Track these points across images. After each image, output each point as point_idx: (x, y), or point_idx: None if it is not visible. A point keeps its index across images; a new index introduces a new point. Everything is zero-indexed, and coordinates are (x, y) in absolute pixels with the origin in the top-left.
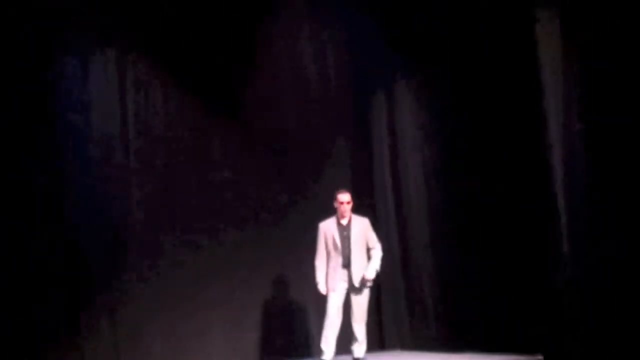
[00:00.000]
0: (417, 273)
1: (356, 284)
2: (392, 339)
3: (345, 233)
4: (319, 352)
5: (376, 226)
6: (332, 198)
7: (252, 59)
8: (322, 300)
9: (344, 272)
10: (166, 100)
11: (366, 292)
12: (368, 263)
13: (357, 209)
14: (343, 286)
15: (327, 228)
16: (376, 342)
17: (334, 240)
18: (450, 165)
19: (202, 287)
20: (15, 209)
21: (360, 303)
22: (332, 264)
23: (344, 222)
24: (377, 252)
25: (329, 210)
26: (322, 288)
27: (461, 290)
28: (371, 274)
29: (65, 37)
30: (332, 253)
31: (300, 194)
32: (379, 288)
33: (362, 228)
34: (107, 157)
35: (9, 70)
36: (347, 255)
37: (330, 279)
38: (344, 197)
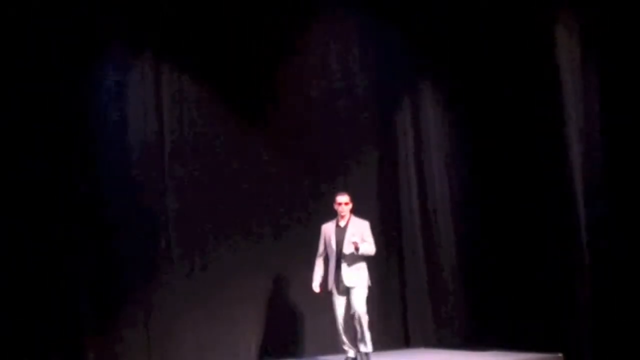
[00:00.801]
0: (441, 273)
1: (348, 284)
2: (416, 337)
3: (341, 234)
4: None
5: (401, 228)
6: (357, 203)
7: (283, 67)
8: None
9: (337, 273)
10: (200, 107)
11: (361, 291)
12: (360, 266)
13: (382, 213)
14: (341, 286)
15: (327, 229)
16: (401, 340)
17: (330, 241)
18: (475, 169)
19: (234, 284)
20: (53, 209)
21: (355, 303)
22: (330, 264)
23: (342, 223)
24: (370, 245)
25: (355, 211)
26: (314, 287)
27: (485, 290)
28: (348, 248)
29: (104, 46)
30: (330, 254)
31: (326, 200)
32: (404, 287)
33: (359, 230)
34: (144, 159)
35: (48, 78)
36: (339, 258)
37: (329, 278)
38: (342, 199)
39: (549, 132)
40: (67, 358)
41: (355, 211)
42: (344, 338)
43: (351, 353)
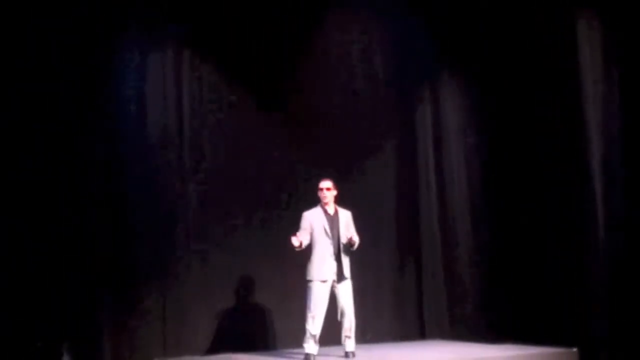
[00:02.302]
0: (458, 265)
1: (347, 276)
2: (432, 329)
3: (334, 223)
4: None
5: (419, 220)
6: (375, 195)
7: (302, 56)
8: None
9: (334, 264)
10: (220, 94)
11: (351, 285)
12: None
13: (400, 205)
14: (331, 277)
15: (314, 216)
16: (417, 332)
17: (324, 229)
18: (493, 161)
19: (251, 271)
20: (72, 196)
21: (349, 295)
22: (319, 253)
23: (330, 211)
24: (357, 237)
25: (373, 204)
26: (294, 240)
27: (500, 283)
28: (354, 238)
29: (126, 31)
30: (321, 242)
31: (345, 188)
32: (420, 279)
33: (347, 220)
34: (162, 144)
35: (71, 63)
36: (337, 247)
37: (317, 268)
38: (324, 184)
39: (569, 126)
40: (84, 344)
41: (374, 203)
42: (318, 332)
43: (315, 349)
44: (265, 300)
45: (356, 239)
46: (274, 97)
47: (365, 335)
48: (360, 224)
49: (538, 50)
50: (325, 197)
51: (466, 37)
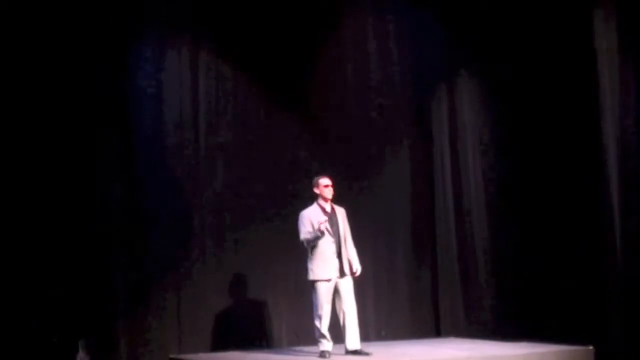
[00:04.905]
0: (473, 263)
1: (347, 272)
2: (447, 327)
3: (333, 220)
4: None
5: (435, 218)
6: (391, 193)
7: (318, 52)
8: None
9: (336, 261)
10: (236, 89)
11: (352, 281)
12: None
13: (416, 204)
14: (335, 275)
15: (314, 215)
16: (432, 329)
17: (325, 227)
18: (510, 159)
19: (266, 265)
20: (87, 189)
21: (352, 292)
22: (321, 251)
23: (327, 208)
24: (353, 247)
25: (388, 201)
26: (321, 226)
27: (516, 282)
28: (359, 269)
29: (141, 26)
30: (322, 241)
31: (359, 185)
32: (436, 277)
33: (343, 217)
34: (178, 140)
35: (86, 58)
36: (338, 244)
37: (320, 267)
38: (329, 181)
39: (585, 121)
40: (100, 340)
41: (389, 200)
42: (327, 328)
43: (330, 346)
44: (281, 298)
45: (358, 268)
46: (289, 94)
47: (380, 332)
48: (376, 221)
49: (554, 45)
50: (329, 193)
51: (482, 33)
